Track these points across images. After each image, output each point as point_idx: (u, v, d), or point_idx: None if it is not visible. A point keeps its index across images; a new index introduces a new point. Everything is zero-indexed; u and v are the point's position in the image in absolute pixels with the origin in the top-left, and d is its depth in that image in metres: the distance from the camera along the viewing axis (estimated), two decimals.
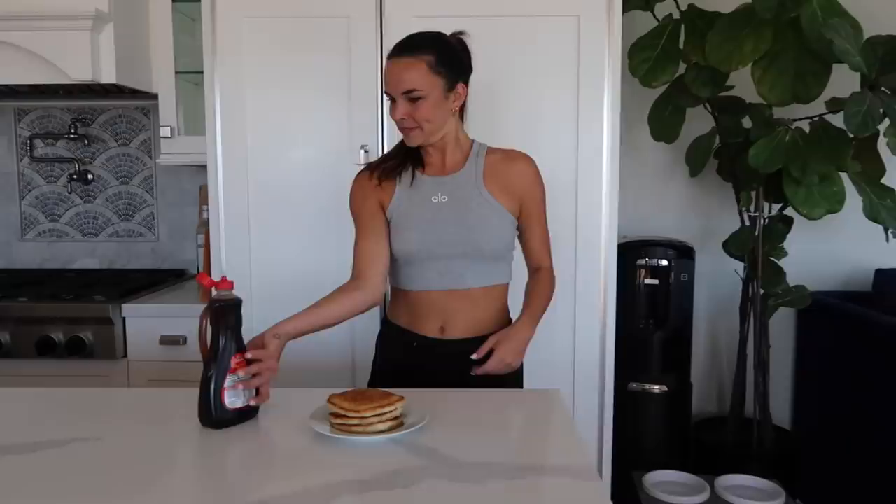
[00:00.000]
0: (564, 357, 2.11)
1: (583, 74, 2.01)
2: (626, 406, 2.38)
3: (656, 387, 2.48)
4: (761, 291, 2.36)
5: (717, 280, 2.70)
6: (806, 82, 2.00)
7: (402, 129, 1.45)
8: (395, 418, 1.10)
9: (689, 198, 2.73)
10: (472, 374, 1.36)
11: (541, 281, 1.55)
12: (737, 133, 2.30)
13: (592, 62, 2.00)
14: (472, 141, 1.55)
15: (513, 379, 1.52)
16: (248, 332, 2.13)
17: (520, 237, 1.57)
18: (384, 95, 1.46)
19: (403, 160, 1.51)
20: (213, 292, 1.28)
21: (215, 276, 2.12)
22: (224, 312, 1.22)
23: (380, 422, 1.07)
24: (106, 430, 1.17)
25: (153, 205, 2.79)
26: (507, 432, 1.22)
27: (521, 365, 1.54)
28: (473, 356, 1.37)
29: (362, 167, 1.59)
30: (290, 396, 1.34)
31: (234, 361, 1.20)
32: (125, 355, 2.18)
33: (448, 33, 1.46)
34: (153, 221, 2.79)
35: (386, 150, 2.02)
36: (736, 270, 2.53)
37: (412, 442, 1.06)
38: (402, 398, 1.11)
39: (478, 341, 1.43)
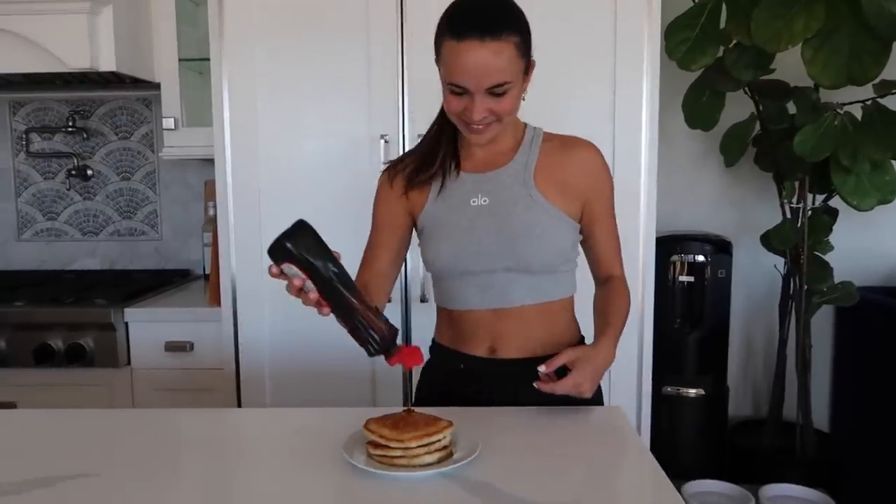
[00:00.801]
0: None
1: (620, 56, 1.86)
2: (661, 410, 2.25)
3: (692, 390, 2.34)
4: (805, 288, 2.22)
5: (753, 276, 2.56)
6: (862, 62, 1.84)
7: (470, 126, 1.16)
8: (444, 448, 0.95)
9: (723, 189, 2.58)
10: (534, 384, 1.13)
11: (616, 293, 1.29)
12: (780, 119, 2.15)
13: (630, 43, 1.85)
14: (525, 125, 1.30)
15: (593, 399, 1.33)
16: (254, 339, 2.01)
17: (583, 243, 1.31)
18: (448, 86, 1.13)
19: (441, 161, 1.26)
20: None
21: (224, 277, 2.00)
22: (302, 244, 0.98)
23: (427, 453, 0.92)
24: (104, 463, 1.02)
25: (156, 201, 2.64)
26: (571, 461, 1.04)
27: (600, 386, 1.34)
28: (541, 368, 1.11)
29: (386, 165, 1.36)
30: (318, 419, 1.20)
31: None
32: (129, 363, 2.04)
33: None
34: (156, 219, 2.65)
35: (407, 141, 1.89)
36: (775, 266, 2.38)
37: (464, 476, 0.92)
38: (450, 424, 0.97)
39: (534, 362, 1.21)
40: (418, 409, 1.03)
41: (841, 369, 2.59)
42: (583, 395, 1.12)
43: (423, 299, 1.92)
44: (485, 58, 1.08)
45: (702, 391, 2.33)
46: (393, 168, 1.31)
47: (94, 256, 2.67)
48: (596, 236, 1.29)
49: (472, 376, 1.27)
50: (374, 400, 1.93)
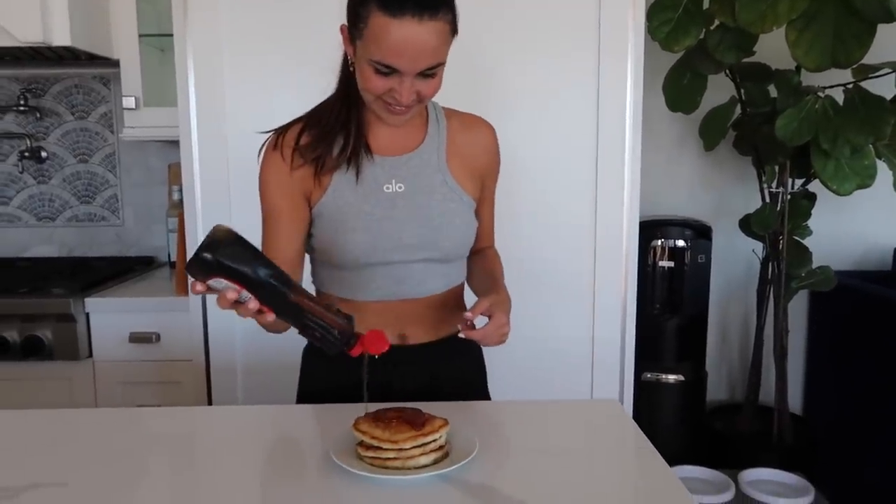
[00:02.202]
0: (582, 348, 1.93)
1: (604, 37, 1.80)
2: (641, 397, 2.22)
3: (671, 376, 2.32)
4: (784, 273, 2.21)
5: (730, 261, 2.55)
6: (846, 45, 1.82)
7: (391, 108, 1.07)
8: (440, 448, 0.89)
9: (701, 173, 2.56)
10: (459, 335, 1.10)
11: (494, 258, 1.30)
12: (763, 102, 2.13)
13: (614, 23, 1.80)
14: None
15: (482, 383, 1.33)
16: (225, 329, 1.92)
17: None
18: (373, 63, 1.03)
19: (353, 142, 1.13)
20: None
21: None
22: (225, 253, 0.87)
23: (422, 454, 0.86)
24: (67, 470, 0.93)
25: (116, 185, 2.51)
26: (573, 458, 0.98)
27: (485, 369, 1.34)
28: (467, 314, 1.04)
29: (269, 133, 1.19)
30: (299, 417, 1.13)
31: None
32: (90, 355, 1.94)
33: None
34: (117, 204, 2.52)
35: None
36: (753, 251, 2.37)
37: (462, 478, 0.86)
38: (445, 422, 0.91)
39: (443, 343, 1.21)
40: (401, 404, 0.96)
41: (815, 354, 2.61)
42: (504, 338, 1.07)
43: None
44: (423, 38, 0.99)
45: (681, 377, 2.32)
46: (282, 141, 1.15)
47: (50, 243, 2.53)
48: (482, 215, 1.26)
49: (384, 366, 1.13)
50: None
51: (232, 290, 0.87)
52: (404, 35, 0.98)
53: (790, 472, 2.12)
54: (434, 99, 1.16)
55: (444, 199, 1.16)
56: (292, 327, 0.95)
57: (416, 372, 1.20)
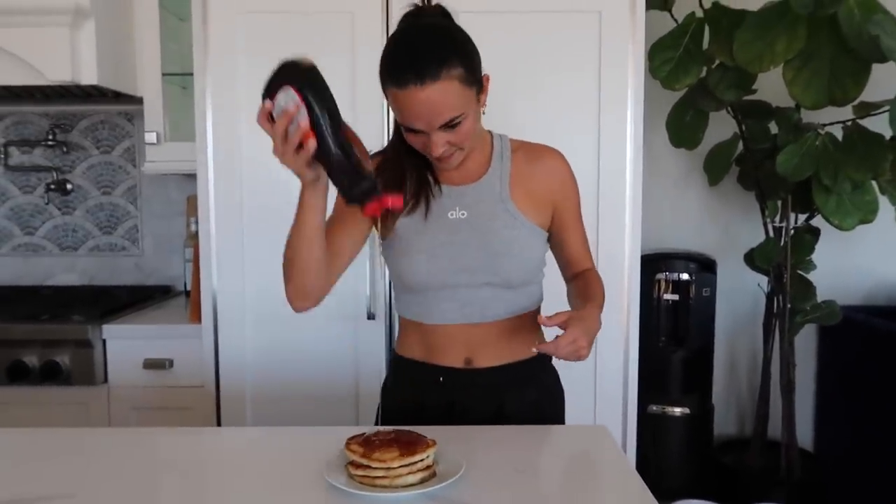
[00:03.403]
0: (584, 379, 1.95)
1: (604, 75, 1.87)
2: (646, 430, 2.23)
3: (677, 409, 2.33)
4: (788, 307, 2.22)
5: (736, 295, 2.56)
6: (843, 83, 1.86)
7: (435, 158, 1.15)
8: (427, 467, 0.93)
9: (706, 208, 2.60)
10: (532, 348, 1.10)
11: (592, 278, 1.29)
12: (763, 138, 2.17)
13: (615, 60, 1.86)
14: (491, 134, 1.28)
15: (555, 413, 1.34)
16: (235, 357, 1.99)
17: (553, 247, 1.32)
18: (402, 125, 1.13)
19: (417, 174, 1.21)
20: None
21: (205, 293, 1.97)
22: (314, 74, 0.97)
23: (409, 473, 0.90)
24: (78, 484, 0.98)
25: (137, 216, 2.60)
26: (557, 481, 1.02)
27: (562, 398, 1.36)
28: (542, 320, 1.07)
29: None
30: (298, 439, 1.17)
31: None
32: (105, 380, 2.00)
33: (427, 18, 1.14)
34: (137, 234, 2.61)
35: None
36: (759, 284, 2.39)
37: (447, 497, 0.89)
38: (433, 443, 0.95)
39: (512, 368, 1.24)
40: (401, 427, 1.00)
41: (825, 388, 2.59)
42: (580, 355, 1.07)
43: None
44: (430, 101, 1.05)
45: (687, 410, 2.33)
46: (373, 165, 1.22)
47: (72, 272, 2.62)
48: (568, 241, 1.30)
49: (449, 389, 1.24)
50: (357, 418, 1.90)
51: (294, 103, 0.94)
52: (412, 102, 1.06)
53: None
54: (502, 132, 1.28)
55: (505, 225, 1.21)
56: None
57: (482, 396, 1.23)
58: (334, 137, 0.96)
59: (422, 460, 0.91)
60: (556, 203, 1.27)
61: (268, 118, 0.98)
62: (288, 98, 0.95)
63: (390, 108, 1.15)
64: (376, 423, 1.31)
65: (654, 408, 2.32)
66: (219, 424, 1.91)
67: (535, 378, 1.29)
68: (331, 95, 0.97)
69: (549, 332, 1.32)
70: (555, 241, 1.31)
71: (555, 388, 1.35)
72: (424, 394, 1.22)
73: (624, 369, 1.95)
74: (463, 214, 1.21)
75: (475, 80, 1.11)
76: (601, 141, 1.90)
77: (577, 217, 1.31)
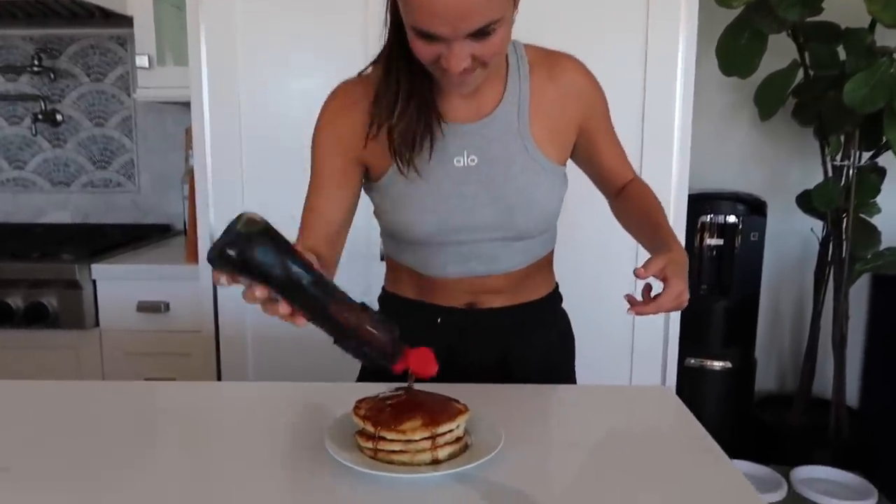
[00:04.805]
0: (621, 331, 1.77)
1: None
2: (683, 384, 2.06)
3: (717, 363, 2.14)
4: (847, 254, 2.01)
5: (784, 241, 2.35)
6: None
7: (448, 77, 0.88)
8: (458, 440, 0.74)
9: (754, 146, 2.35)
10: (628, 311, 0.90)
11: (643, 193, 1.07)
12: (829, 65, 1.92)
13: None
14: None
15: (565, 362, 1.16)
16: (235, 300, 1.81)
17: (585, 165, 1.10)
18: (412, 29, 0.84)
19: (418, 104, 0.94)
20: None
21: (201, 232, 1.78)
22: (264, 254, 0.69)
23: (435, 447, 0.71)
24: (65, 445, 0.81)
25: (132, 150, 2.41)
26: (625, 456, 0.80)
27: (573, 349, 1.19)
28: (639, 272, 0.86)
29: (339, 88, 1.02)
30: (297, 396, 0.99)
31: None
32: (97, 324, 1.84)
33: None
34: (133, 169, 2.42)
35: None
36: (812, 230, 2.17)
37: (485, 479, 0.71)
38: (465, 408, 0.76)
39: (520, 310, 1.05)
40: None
41: (875, 343, 2.40)
42: (682, 305, 0.90)
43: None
44: None
45: (728, 364, 2.14)
46: (351, 95, 0.98)
47: (65, 209, 2.45)
48: (601, 155, 1.08)
49: (448, 331, 1.04)
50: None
51: (260, 288, 0.71)
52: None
53: (847, 472, 1.94)
54: (515, 38, 0.98)
55: (523, 170, 0.98)
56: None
57: (485, 340, 1.06)
58: (325, 316, 0.73)
59: (450, 431, 0.72)
60: (582, 126, 1.04)
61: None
62: (249, 283, 0.71)
63: (396, 3, 0.88)
64: (360, 376, 1.13)
65: (692, 361, 2.14)
66: (218, 372, 1.75)
67: (545, 322, 1.12)
68: (303, 263, 0.72)
69: (561, 268, 1.16)
70: (586, 161, 1.10)
71: (566, 336, 1.18)
72: (418, 337, 0.90)
73: (665, 321, 1.76)
74: (472, 161, 0.98)
75: None
76: (647, 71, 1.67)
77: (608, 129, 1.09)
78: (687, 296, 0.89)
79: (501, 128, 0.98)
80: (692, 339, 2.09)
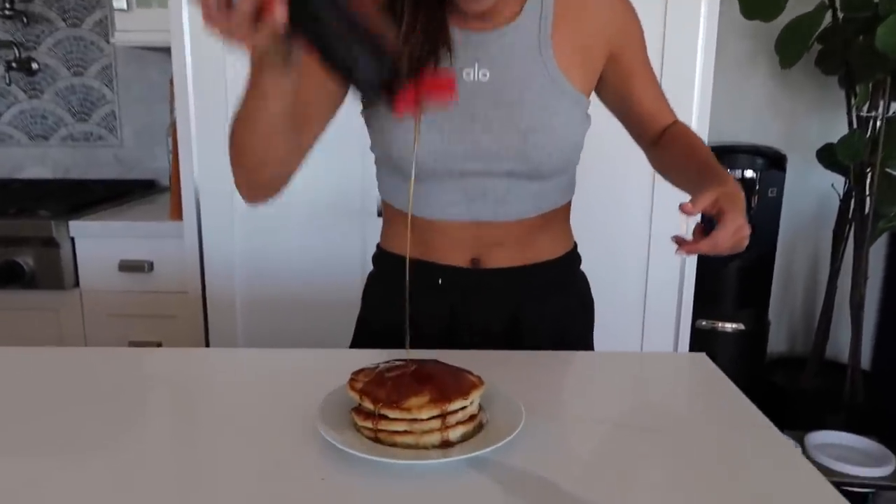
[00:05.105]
0: (633, 291, 1.68)
1: None
2: (693, 347, 1.97)
3: (729, 325, 2.06)
4: (870, 211, 1.90)
5: (801, 197, 2.24)
6: None
7: None
8: (471, 418, 0.64)
9: (771, 96, 2.23)
10: (676, 252, 0.78)
11: (693, 137, 0.93)
12: (861, 6, 1.78)
13: None
14: None
15: (583, 331, 1.05)
16: (222, 259, 1.70)
17: (617, 107, 0.99)
18: None
19: (425, 7, 0.84)
20: None
21: (185, 187, 1.67)
22: None
23: (445, 427, 0.62)
24: (43, 419, 0.72)
25: (114, 101, 2.27)
26: (660, 441, 0.69)
27: (592, 315, 1.07)
28: (687, 208, 0.74)
29: None
30: (288, 365, 0.89)
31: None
32: (77, 284, 1.73)
33: None
34: (115, 122, 2.28)
35: None
36: (832, 185, 2.06)
37: (503, 464, 0.61)
38: (479, 382, 0.66)
39: (532, 270, 0.93)
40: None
41: (890, 304, 2.31)
42: (742, 244, 0.78)
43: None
44: None
45: (741, 326, 2.05)
46: None
47: (44, 164, 2.32)
48: (636, 93, 0.96)
49: (450, 293, 0.93)
50: None
51: None
52: None
53: (863, 437, 1.87)
54: None
55: (542, 91, 0.87)
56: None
57: (492, 304, 0.95)
58: (315, 7, 0.55)
59: (463, 408, 0.62)
60: (613, 53, 0.92)
61: None
62: None
63: None
64: (353, 342, 1.03)
65: (704, 323, 2.05)
66: (206, 335, 1.65)
67: (562, 287, 1.00)
68: None
69: (579, 226, 1.03)
70: (618, 99, 0.97)
71: (585, 303, 1.05)
72: (416, 299, 0.82)
73: (679, 281, 1.67)
74: (484, 75, 0.87)
75: None
76: (668, 7, 1.55)
77: (644, 62, 0.97)
78: (748, 231, 0.76)
79: (519, 40, 0.87)
80: (704, 301, 1.99)
